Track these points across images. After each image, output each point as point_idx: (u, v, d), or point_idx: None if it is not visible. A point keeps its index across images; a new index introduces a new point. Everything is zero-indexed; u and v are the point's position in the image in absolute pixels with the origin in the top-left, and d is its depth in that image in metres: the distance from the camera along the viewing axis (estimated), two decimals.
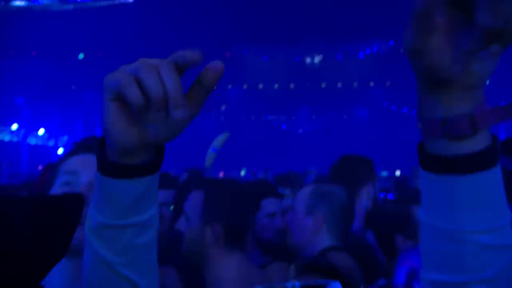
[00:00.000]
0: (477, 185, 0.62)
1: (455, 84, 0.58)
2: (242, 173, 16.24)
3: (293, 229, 1.86)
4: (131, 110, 0.64)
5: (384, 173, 14.49)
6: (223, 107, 16.98)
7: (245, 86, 16.80)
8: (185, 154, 14.49)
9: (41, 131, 15.62)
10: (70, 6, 14.65)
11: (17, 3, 14.36)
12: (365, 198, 2.37)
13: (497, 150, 0.63)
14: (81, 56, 15.54)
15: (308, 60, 17.02)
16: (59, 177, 1.17)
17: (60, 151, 14.59)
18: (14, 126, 15.37)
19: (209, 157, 7.73)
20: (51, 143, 15.62)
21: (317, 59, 16.99)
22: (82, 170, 1.15)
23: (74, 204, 0.66)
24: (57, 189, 1.15)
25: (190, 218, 1.58)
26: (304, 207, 1.87)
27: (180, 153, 15.58)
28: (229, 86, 16.60)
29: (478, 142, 0.61)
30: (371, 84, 17.08)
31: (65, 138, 15.57)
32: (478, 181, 0.62)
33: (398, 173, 15.32)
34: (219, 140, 7.67)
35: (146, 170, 0.70)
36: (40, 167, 14.17)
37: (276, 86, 16.86)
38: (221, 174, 13.27)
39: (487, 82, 0.60)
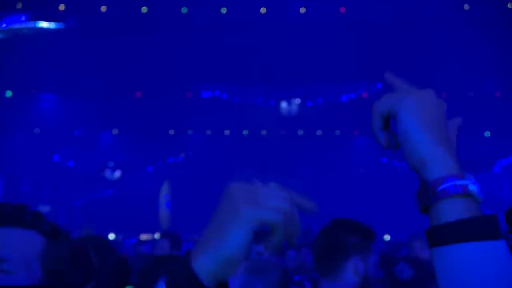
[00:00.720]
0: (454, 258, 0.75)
1: None
2: None
3: None
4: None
5: None
6: (182, 155, 15.38)
7: (208, 132, 15.27)
8: (132, 215, 12.71)
9: None
10: (2, 34, 12.97)
11: None
12: (350, 274, 2.16)
13: (474, 225, 0.75)
14: (8, 94, 13.85)
15: (283, 103, 15.74)
16: None
17: None
18: None
19: (164, 216, 7.25)
20: None
21: (294, 102, 15.72)
22: None
23: None
24: None
25: None
26: (237, 284, 1.95)
27: (123, 215, 13.66)
28: (189, 132, 15.06)
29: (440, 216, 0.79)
30: (356, 132, 15.80)
31: None
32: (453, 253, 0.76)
33: (387, 237, 13.82)
34: (163, 193, 7.30)
35: None
36: None
37: (245, 132, 15.44)
38: None
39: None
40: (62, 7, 13.37)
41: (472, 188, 0.79)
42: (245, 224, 0.70)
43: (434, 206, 0.79)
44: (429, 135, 0.82)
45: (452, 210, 0.77)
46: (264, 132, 15.49)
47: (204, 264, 0.71)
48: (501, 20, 13.11)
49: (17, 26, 13.02)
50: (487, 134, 14.88)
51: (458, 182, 0.78)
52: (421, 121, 0.83)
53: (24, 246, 1.27)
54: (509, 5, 13.42)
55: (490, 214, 0.78)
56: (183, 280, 0.71)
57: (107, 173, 14.47)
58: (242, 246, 0.71)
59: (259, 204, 0.72)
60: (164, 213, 7.79)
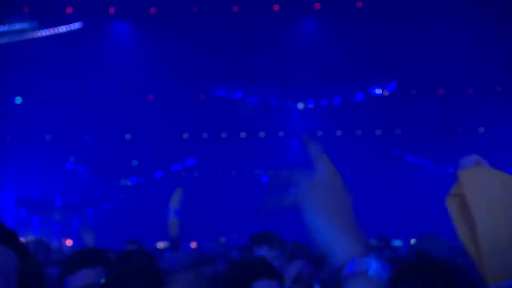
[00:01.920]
0: None
1: None
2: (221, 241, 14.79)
3: None
4: None
5: (398, 242, 12.90)
6: (196, 159, 15.45)
7: (224, 135, 15.35)
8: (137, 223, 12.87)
9: None
10: (8, 38, 13.24)
11: None
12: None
13: None
14: (18, 100, 14.11)
15: (300, 104, 15.80)
16: None
17: None
18: None
19: (173, 224, 7.22)
20: None
21: (311, 102, 15.78)
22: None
23: None
24: None
25: None
26: None
27: (139, 222, 13.83)
28: (205, 135, 15.14)
29: None
30: (378, 132, 15.78)
31: None
32: None
33: (413, 241, 13.78)
34: (175, 200, 7.26)
35: None
36: None
37: (261, 134, 15.50)
38: (193, 245, 11.64)
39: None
40: (69, 9, 13.66)
41: (372, 271, 0.91)
42: None
43: None
44: (332, 224, 0.94)
45: None
46: (281, 133, 15.53)
47: None
48: (502, 12, 12.97)
49: (20, 27, 13.23)
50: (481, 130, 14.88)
51: (357, 267, 0.91)
52: (324, 213, 0.94)
53: (5, 258, 1.41)
54: None
55: None
56: None
57: (121, 179, 14.68)
58: None
59: None
60: (172, 221, 7.91)
